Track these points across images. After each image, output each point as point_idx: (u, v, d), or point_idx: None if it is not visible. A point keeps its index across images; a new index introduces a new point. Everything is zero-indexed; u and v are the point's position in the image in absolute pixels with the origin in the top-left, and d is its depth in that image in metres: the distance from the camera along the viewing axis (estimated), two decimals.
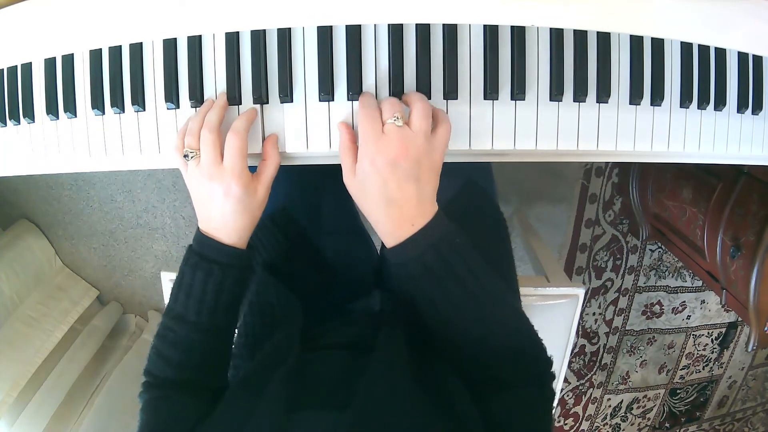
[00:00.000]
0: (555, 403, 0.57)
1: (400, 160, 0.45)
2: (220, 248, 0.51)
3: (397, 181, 0.45)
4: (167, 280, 0.94)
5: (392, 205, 0.46)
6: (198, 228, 0.53)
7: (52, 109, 0.57)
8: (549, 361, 0.52)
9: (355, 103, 0.53)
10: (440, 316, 0.50)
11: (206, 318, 0.52)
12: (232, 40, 0.52)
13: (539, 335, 0.53)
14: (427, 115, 0.47)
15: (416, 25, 0.52)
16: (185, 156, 0.50)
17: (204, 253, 0.51)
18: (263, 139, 0.54)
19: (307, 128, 0.53)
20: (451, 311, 0.49)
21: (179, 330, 0.52)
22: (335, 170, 0.52)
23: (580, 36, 0.54)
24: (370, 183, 0.46)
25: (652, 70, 0.56)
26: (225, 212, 0.50)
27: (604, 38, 0.54)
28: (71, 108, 0.56)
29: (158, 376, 0.54)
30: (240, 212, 0.50)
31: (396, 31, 0.52)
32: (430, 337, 0.55)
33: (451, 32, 0.52)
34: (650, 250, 1.73)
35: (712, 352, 2.00)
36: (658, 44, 0.55)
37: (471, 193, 0.75)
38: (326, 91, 0.52)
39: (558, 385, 1.04)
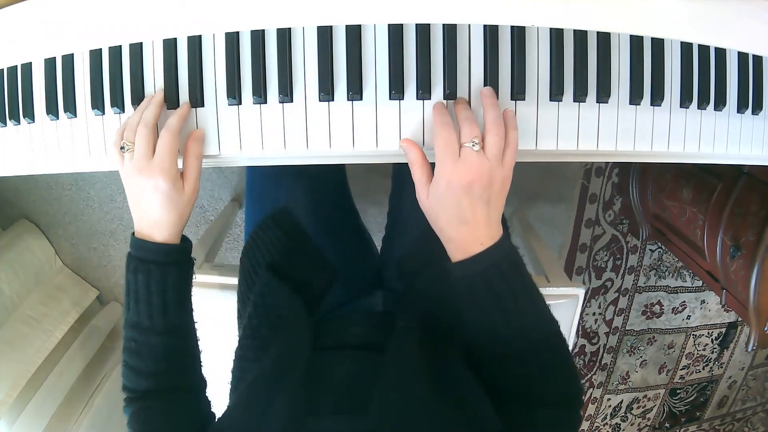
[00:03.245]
0: None
1: (474, 184, 0.47)
2: (155, 248, 0.53)
3: (470, 203, 0.47)
4: None
5: (464, 224, 0.48)
6: (132, 233, 0.54)
7: (52, 109, 0.57)
8: (582, 388, 0.54)
9: (355, 103, 0.53)
10: (491, 327, 0.51)
11: (159, 320, 0.53)
12: (232, 40, 0.52)
13: None
14: (501, 144, 0.48)
15: (416, 25, 0.52)
16: (122, 148, 0.51)
17: (141, 256, 0.53)
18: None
19: (307, 128, 0.53)
20: (503, 325, 0.50)
21: (139, 338, 0.53)
22: (336, 170, 0.52)
23: (580, 36, 0.54)
24: (445, 203, 0.48)
25: (652, 70, 0.56)
26: (154, 206, 0.51)
27: (604, 38, 0.54)
28: (71, 108, 0.56)
29: (136, 390, 0.54)
30: (168, 207, 0.52)
31: (396, 31, 0.52)
32: (447, 340, 0.55)
33: (451, 32, 0.52)
34: (650, 250, 1.73)
35: (712, 352, 2.00)
36: (658, 44, 0.55)
37: None
38: (326, 91, 0.52)
39: None
